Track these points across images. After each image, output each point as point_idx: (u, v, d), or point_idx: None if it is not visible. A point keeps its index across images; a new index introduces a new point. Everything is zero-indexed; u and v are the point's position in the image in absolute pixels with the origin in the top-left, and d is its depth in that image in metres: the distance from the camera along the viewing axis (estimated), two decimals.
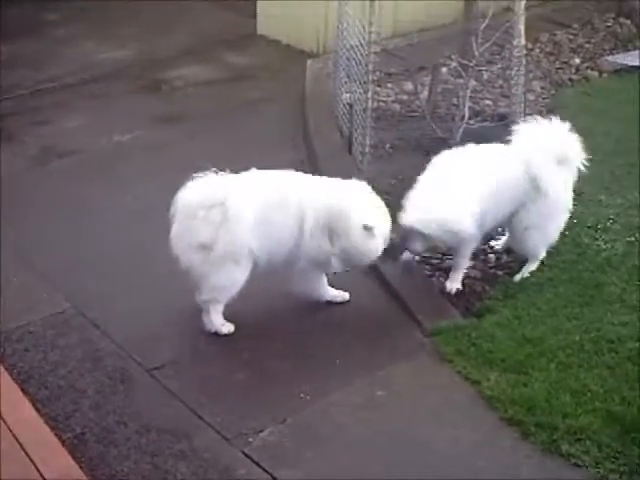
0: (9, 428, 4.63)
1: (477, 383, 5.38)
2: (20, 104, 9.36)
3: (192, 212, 5.66)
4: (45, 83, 9.78)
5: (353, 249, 5.81)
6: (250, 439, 5.07)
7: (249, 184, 5.78)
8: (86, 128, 8.77)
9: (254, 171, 5.86)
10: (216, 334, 5.88)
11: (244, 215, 5.64)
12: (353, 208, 5.79)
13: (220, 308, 5.90)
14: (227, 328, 5.93)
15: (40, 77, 9.89)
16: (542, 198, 6.10)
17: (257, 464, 4.91)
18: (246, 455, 4.97)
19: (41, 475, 4.39)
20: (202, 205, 5.64)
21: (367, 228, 5.70)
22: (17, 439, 4.56)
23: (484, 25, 7.33)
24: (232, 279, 5.77)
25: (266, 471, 4.86)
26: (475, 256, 6.53)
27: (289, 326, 6.03)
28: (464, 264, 6.28)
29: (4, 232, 6.98)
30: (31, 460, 4.49)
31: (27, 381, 5.49)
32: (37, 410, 5.14)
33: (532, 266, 6.36)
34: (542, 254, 6.38)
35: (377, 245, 5.82)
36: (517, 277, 6.34)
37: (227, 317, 5.92)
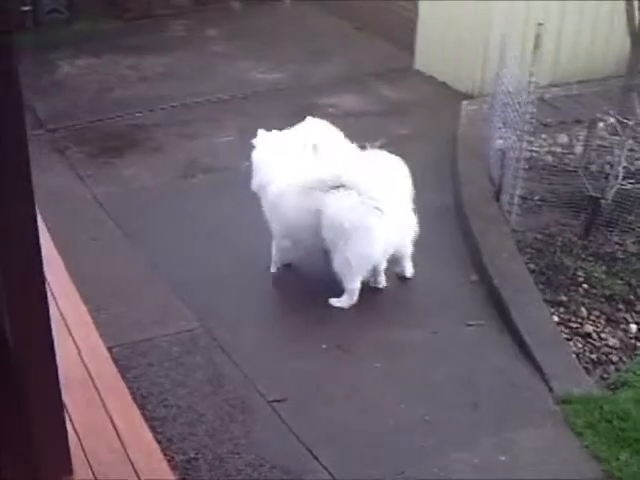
0: (125, 449, 4.61)
1: (606, 461, 5.12)
2: (171, 116, 9.49)
3: None
4: (198, 97, 9.88)
5: None
6: None
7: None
8: (233, 145, 8.78)
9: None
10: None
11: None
12: None
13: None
14: None
15: (193, 90, 10.01)
16: None
17: None
18: None
19: None
20: None
21: None
22: (132, 464, 4.53)
23: None
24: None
25: None
26: (615, 324, 6.28)
27: (417, 374, 5.87)
28: None
29: (143, 244, 7.03)
30: None
31: (147, 397, 5.49)
32: (153, 428, 5.10)
33: None
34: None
35: None
36: None
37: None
